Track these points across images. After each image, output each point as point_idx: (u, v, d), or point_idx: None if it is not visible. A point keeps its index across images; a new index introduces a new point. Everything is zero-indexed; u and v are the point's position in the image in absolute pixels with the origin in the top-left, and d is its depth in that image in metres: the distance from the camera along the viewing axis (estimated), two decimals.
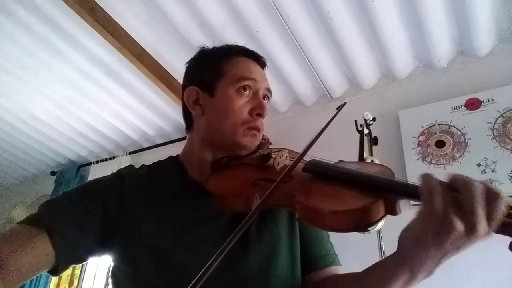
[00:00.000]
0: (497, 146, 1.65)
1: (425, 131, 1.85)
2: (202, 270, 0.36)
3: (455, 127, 1.79)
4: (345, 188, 0.56)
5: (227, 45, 0.82)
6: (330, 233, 0.82)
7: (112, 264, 0.69)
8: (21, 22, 2.00)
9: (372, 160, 1.40)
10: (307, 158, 0.64)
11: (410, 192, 0.49)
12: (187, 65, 0.83)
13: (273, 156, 0.70)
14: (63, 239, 0.58)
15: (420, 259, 0.49)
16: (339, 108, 0.72)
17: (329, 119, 0.64)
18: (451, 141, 1.77)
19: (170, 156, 0.83)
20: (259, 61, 0.82)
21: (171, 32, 1.97)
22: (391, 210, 0.52)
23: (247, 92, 0.74)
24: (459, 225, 0.43)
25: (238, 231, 0.42)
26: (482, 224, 0.43)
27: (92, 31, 1.95)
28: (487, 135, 1.68)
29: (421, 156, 1.81)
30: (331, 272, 0.73)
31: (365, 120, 1.60)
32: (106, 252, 0.68)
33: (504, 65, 1.77)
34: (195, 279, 0.35)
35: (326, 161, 0.65)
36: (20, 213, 3.36)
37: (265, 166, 0.71)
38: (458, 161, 1.72)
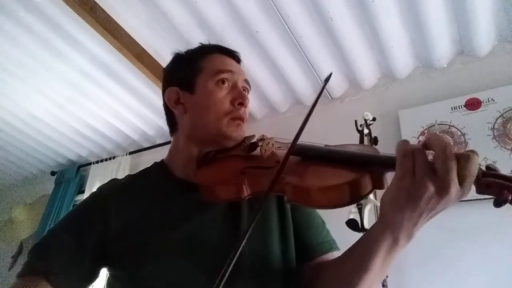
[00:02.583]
0: (497, 146, 1.64)
1: (425, 131, 1.85)
2: (228, 261, 0.39)
3: (455, 127, 1.78)
4: (333, 166, 0.57)
5: (201, 45, 0.84)
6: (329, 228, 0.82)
7: (108, 273, 0.70)
8: (21, 22, 2.00)
9: None
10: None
11: (393, 163, 0.50)
12: (164, 70, 0.86)
13: (259, 144, 0.71)
14: (59, 277, 0.61)
15: (398, 221, 0.50)
16: (326, 80, 0.72)
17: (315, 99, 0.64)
18: (451, 141, 1.77)
19: (155, 162, 0.84)
20: (233, 56, 0.83)
21: (171, 32, 1.97)
22: (378, 184, 0.53)
23: (226, 85, 0.76)
24: (430, 184, 0.45)
25: (254, 218, 0.45)
26: (453, 183, 0.44)
27: (92, 31, 1.95)
28: (487, 135, 1.68)
29: None
30: (329, 258, 0.74)
31: (365, 120, 1.60)
32: (104, 267, 0.69)
33: (504, 65, 1.77)
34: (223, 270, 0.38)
35: (313, 144, 0.66)
36: (20, 213, 3.36)
37: (252, 155, 0.71)
38: None
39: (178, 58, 0.84)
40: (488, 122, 1.70)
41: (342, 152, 0.60)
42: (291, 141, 0.58)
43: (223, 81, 0.75)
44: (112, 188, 0.75)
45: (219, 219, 0.69)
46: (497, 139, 1.66)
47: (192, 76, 0.77)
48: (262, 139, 0.72)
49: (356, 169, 0.54)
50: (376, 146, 1.60)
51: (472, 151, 0.46)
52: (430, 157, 0.48)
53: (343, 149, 0.61)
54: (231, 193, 0.63)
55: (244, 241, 0.43)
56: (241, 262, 0.64)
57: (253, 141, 0.74)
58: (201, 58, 0.79)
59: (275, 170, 0.54)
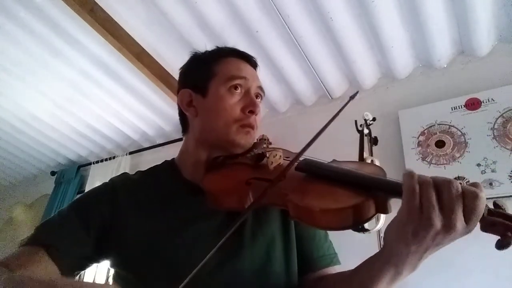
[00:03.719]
0: (497, 146, 1.64)
1: (425, 131, 1.85)
2: (197, 268, 0.36)
3: (455, 127, 1.79)
4: (337, 187, 0.57)
5: (218, 47, 0.84)
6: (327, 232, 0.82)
7: (112, 270, 0.70)
8: (21, 23, 2.00)
9: (372, 161, 1.40)
10: (301, 157, 0.65)
11: (399, 191, 0.50)
12: (180, 70, 0.85)
13: (267, 155, 0.70)
14: (60, 252, 0.61)
15: (403, 255, 0.50)
16: (352, 97, 0.72)
17: (333, 115, 0.64)
18: (451, 141, 1.77)
19: (165, 160, 0.84)
20: (250, 61, 0.82)
21: (171, 32, 1.97)
22: (382, 209, 0.53)
23: (238, 91, 0.75)
24: (437, 223, 0.45)
25: (232, 228, 0.43)
26: (459, 221, 0.45)
27: (92, 31, 1.96)
28: (487, 135, 1.68)
29: (421, 156, 1.81)
30: (329, 272, 0.74)
31: (365, 120, 1.59)
32: (105, 259, 0.69)
33: (504, 65, 1.77)
34: (189, 276, 0.35)
35: (319, 160, 0.66)
36: (20, 213, 3.36)
37: (259, 165, 0.71)
38: (458, 161, 1.71)
39: (195, 59, 0.83)
40: (488, 122, 1.70)
41: (349, 173, 0.59)
42: (297, 153, 0.58)
43: (235, 87, 0.75)
44: (123, 182, 0.76)
45: (222, 227, 0.68)
46: (497, 139, 1.66)
47: (206, 79, 0.77)
48: (269, 150, 0.72)
49: (361, 192, 0.53)
50: (376, 146, 1.60)
51: (478, 187, 0.46)
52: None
53: (349, 170, 0.60)
54: (235, 203, 0.63)
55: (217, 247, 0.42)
56: (244, 275, 0.64)
57: (261, 151, 0.73)
58: (216, 61, 0.78)
59: (279, 183, 0.54)
